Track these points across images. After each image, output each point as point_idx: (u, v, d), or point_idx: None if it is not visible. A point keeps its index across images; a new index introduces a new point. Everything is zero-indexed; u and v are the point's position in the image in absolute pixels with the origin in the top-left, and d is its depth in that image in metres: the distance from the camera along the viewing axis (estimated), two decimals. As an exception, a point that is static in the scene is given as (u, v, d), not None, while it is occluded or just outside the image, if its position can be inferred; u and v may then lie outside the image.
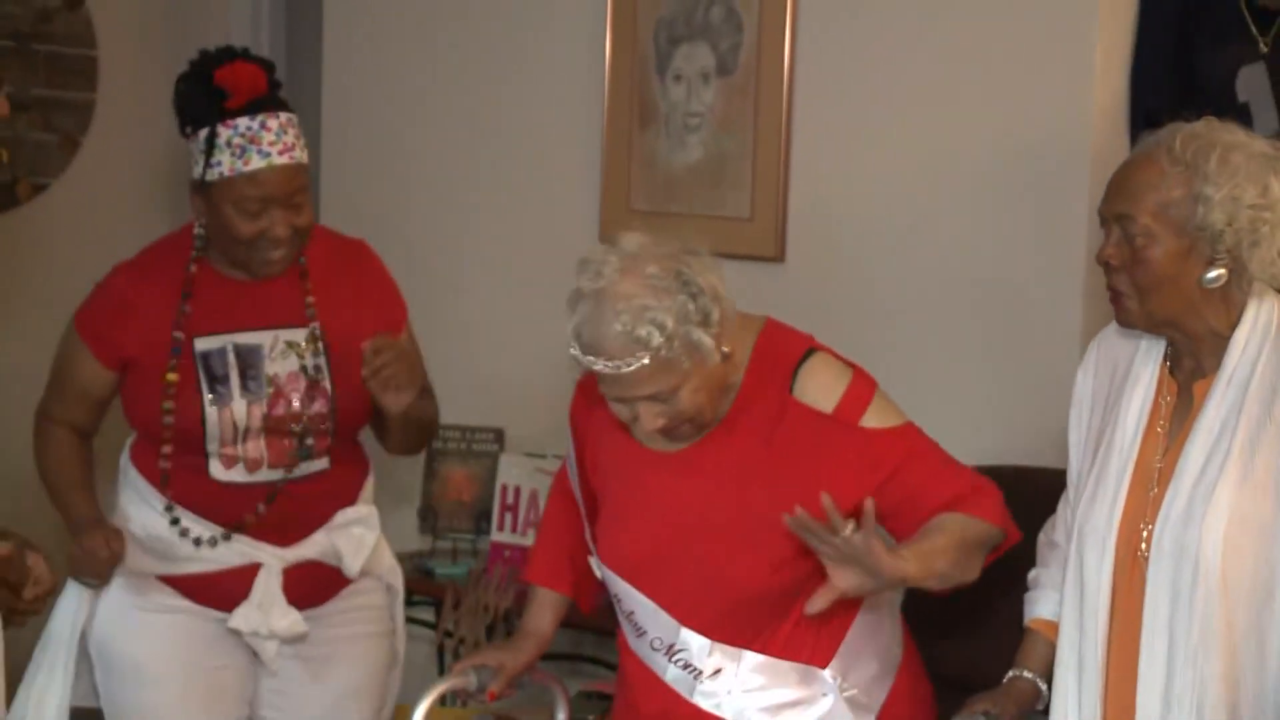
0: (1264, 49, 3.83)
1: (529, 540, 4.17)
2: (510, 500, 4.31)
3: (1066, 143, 3.73)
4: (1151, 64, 3.83)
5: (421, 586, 4.30)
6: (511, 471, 4.33)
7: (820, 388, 2.67)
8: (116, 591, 3.18)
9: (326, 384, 3.14)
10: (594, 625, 2.91)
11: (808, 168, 4.04)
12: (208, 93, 3.04)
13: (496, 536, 4.31)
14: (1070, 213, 3.70)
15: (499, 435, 4.46)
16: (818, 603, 2.51)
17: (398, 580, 3.38)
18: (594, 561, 2.87)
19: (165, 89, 3.19)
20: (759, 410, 2.68)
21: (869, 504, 2.45)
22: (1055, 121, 3.75)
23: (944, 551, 2.59)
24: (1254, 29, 3.86)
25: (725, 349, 2.62)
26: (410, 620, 4.29)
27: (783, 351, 2.71)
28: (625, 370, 2.55)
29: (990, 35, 3.82)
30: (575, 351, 2.59)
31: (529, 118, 4.49)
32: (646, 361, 2.54)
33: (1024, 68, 3.79)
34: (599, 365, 2.56)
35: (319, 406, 3.14)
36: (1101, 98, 3.73)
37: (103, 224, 5.00)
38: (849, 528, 2.44)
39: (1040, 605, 2.75)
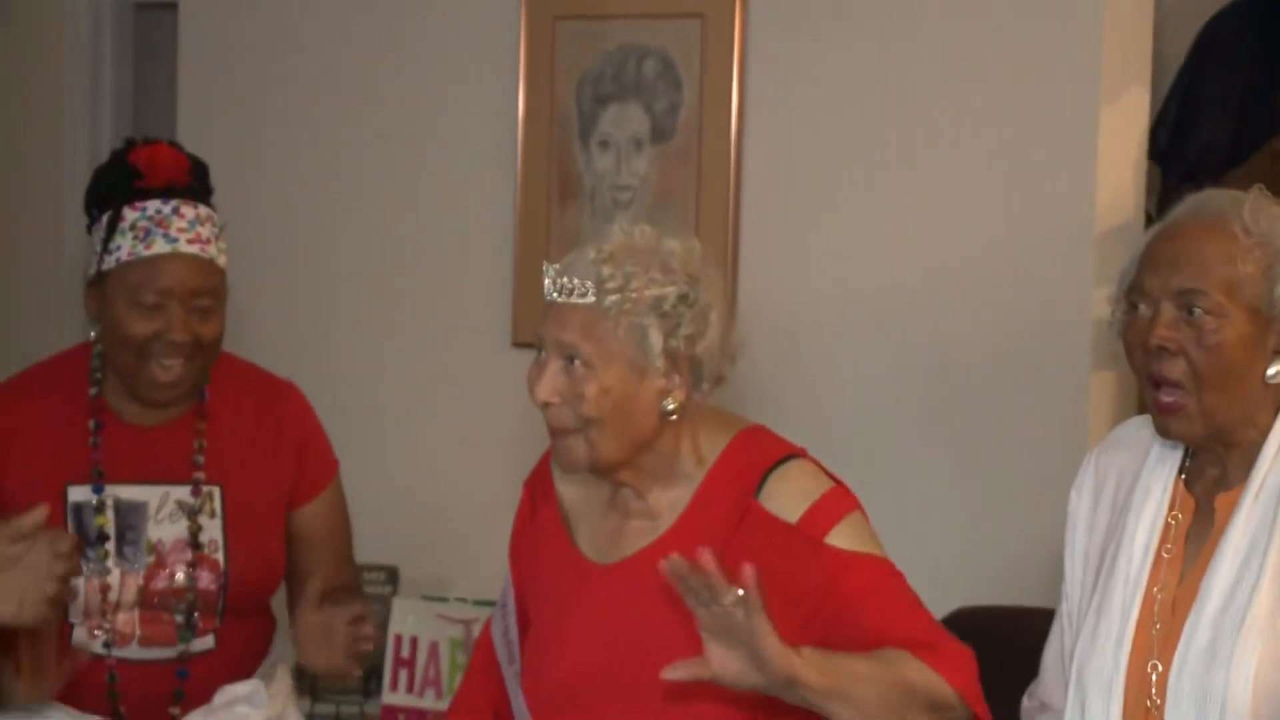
0: None
1: (429, 703, 4.03)
2: (405, 653, 4.09)
3: (1068, 225, 3.71)
4: (1212, 102, 4.10)
5: (297, 763, 4.27)
6: (407, 618, 4.11)
7: (788, 494, 2.58)
8: None
9: (219, 556, 3.01)
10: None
11: (760, 248, 4.00)
12: (119, 173, 2.97)
13: (389, 698, 4.07)
14: (1073, 307, 3.71)
15: (392, 574, 4.28)
16: (678, 670, 2.39)
17: None
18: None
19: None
20: (716, 514, 2.59)
21: (748, 570, 2.31)
22: (1054, 195, 3.72)
23: (866, 680, 2.44)
24: None
25: (672, 402, 2.55)
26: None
27: (757, 455, 2.63)
28: (561, 300, 2.53)
29: (979, 97, 3.80)
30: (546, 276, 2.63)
31: (428, 200, 4.36)
32: (590, 300, 2.51)
33: (1016, 134, 3.76)
34: (549, 277, 2.56)
35: (206, 583, 3.00)
36: (1107, 181, 3.70)
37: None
38: (732, 595, 2.31)
39: None
